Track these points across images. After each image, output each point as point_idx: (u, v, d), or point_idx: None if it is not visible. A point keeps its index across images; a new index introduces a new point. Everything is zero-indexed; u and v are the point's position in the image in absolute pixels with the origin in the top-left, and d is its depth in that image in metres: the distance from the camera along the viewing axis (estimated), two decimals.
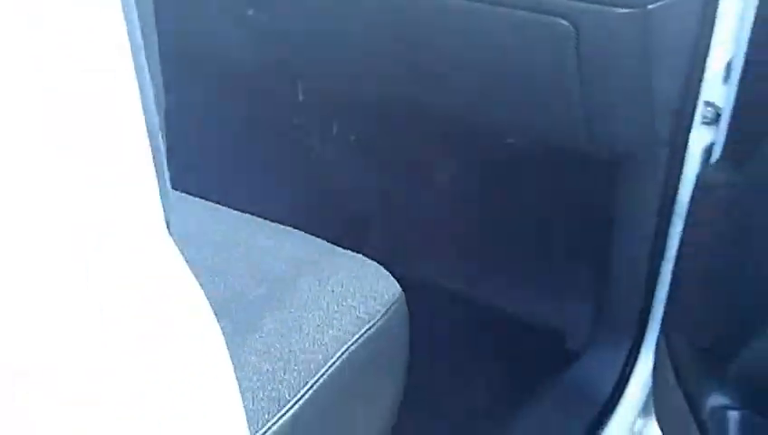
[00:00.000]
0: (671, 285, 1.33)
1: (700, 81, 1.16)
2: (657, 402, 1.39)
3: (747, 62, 1.07)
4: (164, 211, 0.44)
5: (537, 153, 1.48)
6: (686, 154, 1.23)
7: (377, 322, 0.93)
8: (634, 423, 1.51)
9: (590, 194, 1.46)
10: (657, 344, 1.38)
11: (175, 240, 0.43)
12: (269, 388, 0.82)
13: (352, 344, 0.90)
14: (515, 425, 1.44)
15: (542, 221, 1.58)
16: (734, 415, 1.14)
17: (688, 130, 1.21)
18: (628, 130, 1.23)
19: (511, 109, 1.27)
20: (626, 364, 1.47)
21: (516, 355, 1.57)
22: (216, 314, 0.49)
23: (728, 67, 1.12)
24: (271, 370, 0.83)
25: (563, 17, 1.09)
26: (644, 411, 1.53)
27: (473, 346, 1.59)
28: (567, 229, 1.56)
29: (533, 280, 1.62)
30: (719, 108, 1.17)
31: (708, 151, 1.21)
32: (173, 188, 0.53)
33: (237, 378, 0.53)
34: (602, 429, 1.48)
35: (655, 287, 1.39)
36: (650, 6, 1.06)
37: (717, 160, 1.19)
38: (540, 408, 1.48)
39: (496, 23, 1.15)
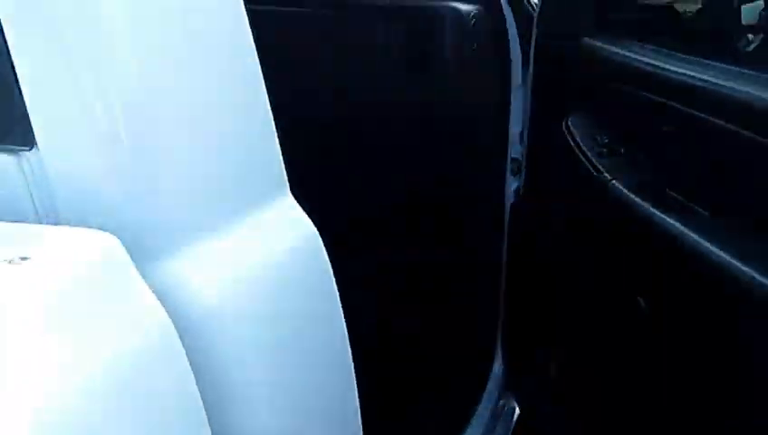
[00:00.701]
0: (506, 289, 1.91)
1: (506, 145, 1.79)
2: (510, 369, 1.97)
3: (530, 131, 1.73)
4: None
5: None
6: (505, 194, 1.85)
7: None
8: (498, 400, 2.04)
9: (453, 233, 1.97)
10: (504, 334, 1.96)
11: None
12: None
13: None
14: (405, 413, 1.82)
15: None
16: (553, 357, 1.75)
17: (504, 178, 1.83)
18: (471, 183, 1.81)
19: None
20: (488, 353, 2.02)
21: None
22: None
23: (521, 134, 1.77)
24: None
25: None
26: (504, 394, 2.07)
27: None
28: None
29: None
30: (520, 162, 1.81)
31: (518, 191, 1.84)
32: None
33: None
34: (476, 407, 1.99)
35: (498, 295, 1.95)
36: None
37: (521, 196, 1.82)
38: (427, 395, 1.88)
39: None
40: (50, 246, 0.61)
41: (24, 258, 0.59)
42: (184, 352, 0.65)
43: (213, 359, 0.71)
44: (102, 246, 0.62)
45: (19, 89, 0.67)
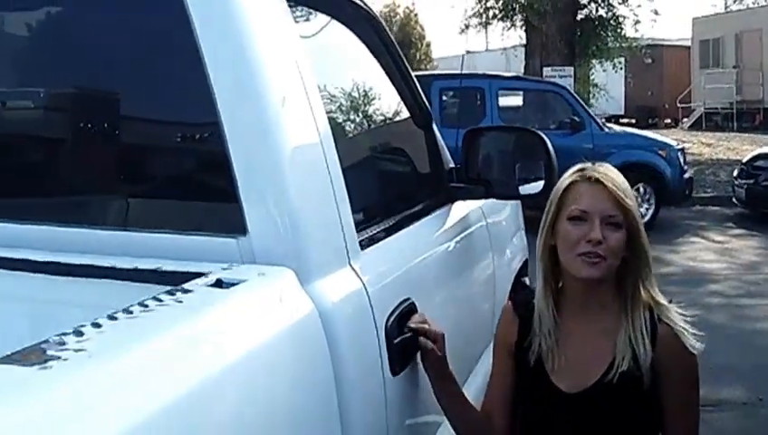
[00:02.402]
0: None
1: None
2: None
3: None
4: None
5: None
6: None
7: None
8: None
9: None
10: None
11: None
12: None
13: None
14: None
15: None
16: None
17: None
18: None
19: None
20: None
21: None
22: None
23: None
24: None
25: None
26: None
27: None
28: None
29: None
30: None
31: None
32: None
33: None
34: None
35: None
36: None
37: None
38: None
39: None
40: (271, 271, 1.39)
41: (262, 274, 1.37)
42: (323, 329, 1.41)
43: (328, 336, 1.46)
44: (288, 272, 1.41)
45: (239, 204, 1.46)
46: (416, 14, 53.13)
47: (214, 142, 1.47)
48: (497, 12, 17.60)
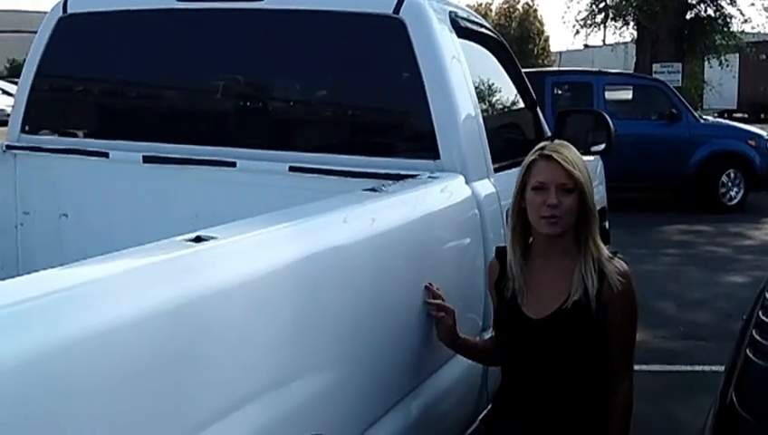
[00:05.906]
0: None
1: None
2: None
3: None
4: None
5: None
6: None
7: None
8: None
9: None
10: None
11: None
12: None
13: None
14: None
15: None
16: None
17: None
18: None
19: None
20: None
21: None
22: None
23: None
24: None
25: None
26: None
27: None
28: None
29: None
30: None
31: None
32: None
33: None
34: None
35: None
36: None
37: None
38: None
39: None
40: (451, 175, 2.80)
41: (447, 175, 2.78)
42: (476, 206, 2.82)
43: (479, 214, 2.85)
44: (460, 176, 2.82)
45: (435, 142, 2.88)
46: (535, 10, 53.26)
47: (426, 117, 2.91)
48: (611, 12, 18.46)
